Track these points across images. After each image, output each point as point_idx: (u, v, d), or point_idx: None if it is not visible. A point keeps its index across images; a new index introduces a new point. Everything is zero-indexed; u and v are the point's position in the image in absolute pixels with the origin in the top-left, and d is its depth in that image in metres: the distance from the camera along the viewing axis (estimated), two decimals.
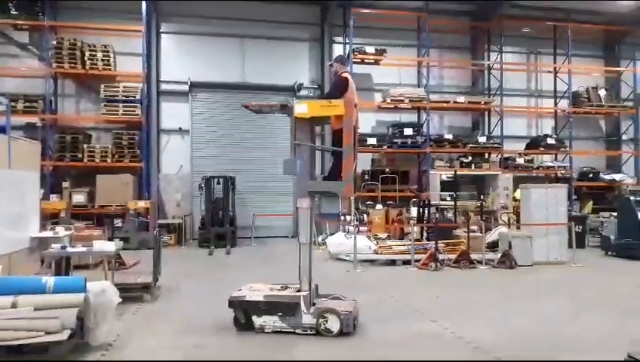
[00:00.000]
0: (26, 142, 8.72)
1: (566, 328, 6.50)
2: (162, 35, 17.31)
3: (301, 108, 6.21)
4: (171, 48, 17.39)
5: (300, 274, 6.20)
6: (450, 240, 12.31)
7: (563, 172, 19.26)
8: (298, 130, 6.24)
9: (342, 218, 14.95)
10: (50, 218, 13.18)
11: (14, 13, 15.56)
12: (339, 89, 6.44)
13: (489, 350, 5.54)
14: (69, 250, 7.44)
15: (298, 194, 6.46)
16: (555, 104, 20.07)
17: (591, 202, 19.04)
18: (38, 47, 16.37)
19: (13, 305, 4.92)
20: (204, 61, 17.19)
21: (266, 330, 5.97)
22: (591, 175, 19.52)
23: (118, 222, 14.53)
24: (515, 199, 16.21)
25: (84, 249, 7.59)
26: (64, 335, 4.75)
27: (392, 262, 11.48)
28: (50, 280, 5.32)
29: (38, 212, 8.74)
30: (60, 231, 8.40)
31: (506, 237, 11.58)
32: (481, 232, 11.81)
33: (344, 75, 6.61)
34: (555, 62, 20.06)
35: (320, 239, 14.27)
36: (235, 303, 6.11)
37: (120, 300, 5.63)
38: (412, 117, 19.02)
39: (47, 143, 15.00)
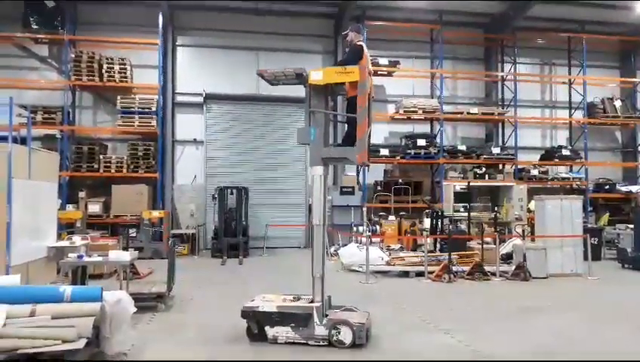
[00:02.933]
0: (45, 153, 8.90)
1: (579, 342, 6.44)
2: (178, 48, 17.57)
3: (316, 75, 6.24)
4: (187, 61, 17.65)
5: (313, 285, 6.21)
6: (464, 252, 12.24)
7: (578, 183, 19.09)
8: (313, 98, 6.28)
9: (354, 229, 14.94)
10: (66, 227, 13.40)
11: (35, 27, 15.92)
12: (354, 56, 6.47)
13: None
14: (86, 259, 7.56)
15: (312, 162, 6.39)
16: (570, 115, 19.93)
17: (607, 214, 18.73)
18: (57, 60, 16.74)
19: (32, 314, 5.00)
20: (219, 73, 17.40)
21: (278, 341, 6.00)
22: (607, 186, 19.28)
23: (132, 232, 14.65)
24: (529, 210, 16.08)
25: (100, 258, 7.70)
26: (80, 344, 4.82)
27: (405, 274, 11.44)
28: (67, 289, 5.40)
29: (55, 222, 8.88)
30: (77, 240, 8.52)
31: (520, 249, 11.47)
32: (495, 244, 11.73)
33: (359, 43, 6.65)
34: (569, 74, 19.97)
35: (332, 250, 14.27)
36: (248, 314, 6.15)
37: (135, 310, 5.71)
38: (425, 128, 19.03)
39: (65, 154, 15.25)
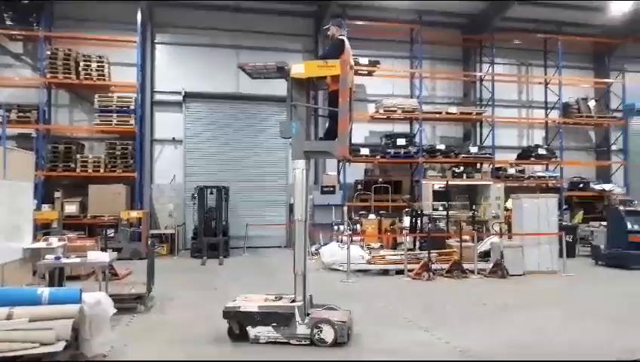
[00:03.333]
0: (20, 153, 8.73)
1: (552, 336, 6.61)
2: (157, 46, 17.37)
3: (298, 69, 6.24)
4: (166, 59, 17.46)
5: (295, 283, 6.22)
6: (443, 250, 12.40)
7: (554, 182, 19.49)
8: (295, 92, 6.28)
9: (335, 228, 15.00)
10: (41, 228, 13.15)
11: (9, 23, 15.58)
12: (335, 50, 6.46)
13: (479, 357, 5.62)
14: (64, 260, 7.44)
15: (294, 156, 6.39)
16: (546, 115, 20.33)
17: (581, 212, 19.18)
18: (32, 57, 16.39)
19: (9, 317, 4.91)
20: (199, 71, 17.27)
21: (260, 341, 6.00)
22: (581, 185, 19.72)
23: (110, 233, 14.43)
24: (506, 209, 16.35)
25: (78, 259, 7.58)
26: (59, 347, 4.75)
27: (385, 272, 11.54)
28: (45, 291, 5.32)
29: (31, 222, 8.72)
30: (54, 241, 8.38)
31: (497, 246, 11.66)
32: (473, 242, 11.91)
33: (340, 37, 6.63)
34: (545, 74, 20.37)
35: (314, 249, 14.30)
36: (229, 314, 6.14)
37: (115, 311, 5.66)
38: (405, 127, 19.20)
39: (40, 153, 14.96)
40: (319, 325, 5.94)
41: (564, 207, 19.05)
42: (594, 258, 13.59)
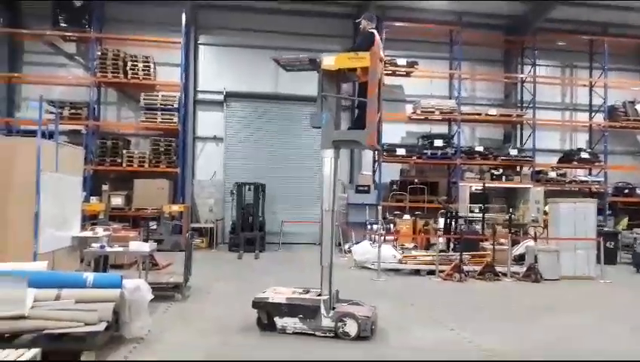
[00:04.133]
0: (71, 148, 9.31)
1: (578, 340, 6.61)
2: (200, 47, 17.99)
3: (329, 61, 6.45)
4: (208, 59, 18.05)
5: (322, 276, 6.45)
6: (476, 252, 12.35)
7: (597, 186, 18.95)
8: (325, 83, 6.50)
9: (369, 226, 15.14)
10: (89, 219, 13.89)
11: (63, 25, 16.48)
12: (366, 43, 6.63)
13: (501, 356, 5.70)
14: (108, 249, 7.94)
15: (323, 145, 6.58)
16: (590, 118, 19.78)
17: (626, 218, 18.60)
18: (84, 57, 17.32)
19: (57, 297, 5.36)
20: (240, 72, 17.78)
21: (287, 331, 6.26)
22: (626, 190, 19.12)
23: (153, 225, 15.05)
24: (545, 213, 16.04)
25: (120, 249, 8.08)
26: (101, 327, 5.16)
27: (417, 272, 11.62)
28: (89, 276, 5.77)
29: (79, 213, 9.29)
30: (99, 231, 8.92)
31: (532, 250, 11.55)
32: (508, 245, 11.82)
33: (371, 30, 6.82)
34: (590, 76, 19.82)
35: (346, 247, 14.50)
36: (258, 304, 6.43)
37: (152, 297, 6.05)
38: (443, 128, 19.10)
39: (89, 148, 15.78)
40: (343, 319, 6.15)
41: (609, 212, 18.51)
42: (635, 265, 13.22)
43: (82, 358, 5.00)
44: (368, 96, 6.37)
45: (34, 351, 4.41)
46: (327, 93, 6.50)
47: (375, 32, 6.79)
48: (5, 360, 4.20)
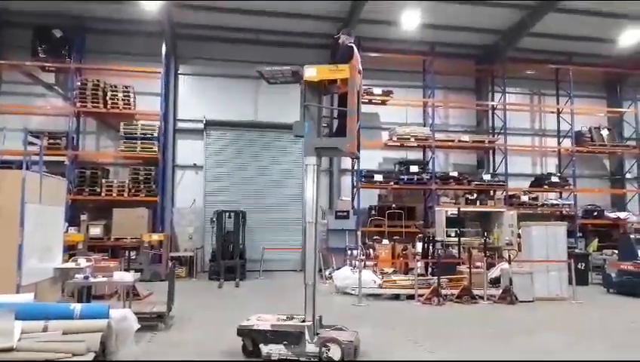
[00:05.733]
0: (54, 179, 9.37)
1: (551, 357, 6.92)
2: (180, 76, 18.27)
3: (310, 72, 6.78)
4: (188, 88, 18.32)
5: (305, 301, 6.62)
6: (454, 276, 12.65)
7: (567, 210, 19.59)
8: (308, 94, 6.81)
9: (349, 252, 15.34)
10: (68, 249, 13.75)
11: (43, 56, 16.56)
12: (345, 56, 6.99)
13: None
14: (92, 279, 7.98)
15: (305, 153, 6.89)
16: (559, 143, 20.57)
17: (596, 240, 19.22)
18: (63, 87, 17.38)
19: (45, 329, 5.41)
20: (219, 101, 18.06)
21: (272, 358, 6.40)
22: (595, 213, 19.79)
23: (132, 255, 15.00)
24: (519, 236, 16.50)
25: (105, 279, 8.13)
26: (89, 357, 5.21)
27: (397, 297, 11.84)
28: (77, 306, 5.83)
29: (61, 244, 9.32)
30: (82, 262, 8.94)
31: (507, 273, 11.91)
32: (484, 268, 12.15)
33: (350, 44, 7.19)
34: (557, 103, 20.67)
35: (327, 273, 14.65)
36: (243, 332, 6.57)
37: (139, 326, 6.13)
38: (418, 155, 19.62)
39: (68, 178, 15.71)
40: (327, 344, 6.32)
41: (579, 234, 19.14)
42: (605, 286, 13.68)
43: None
44: (348, 106, 6.70)
45: None
46: (309, 103, 6.82)
47: (354, 45, 7.16)
48: None
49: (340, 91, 7.06)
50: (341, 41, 7.40)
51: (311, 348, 6.34)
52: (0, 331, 5.10)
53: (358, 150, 7.05)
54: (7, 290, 6.70)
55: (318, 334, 6.52)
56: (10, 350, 5.06)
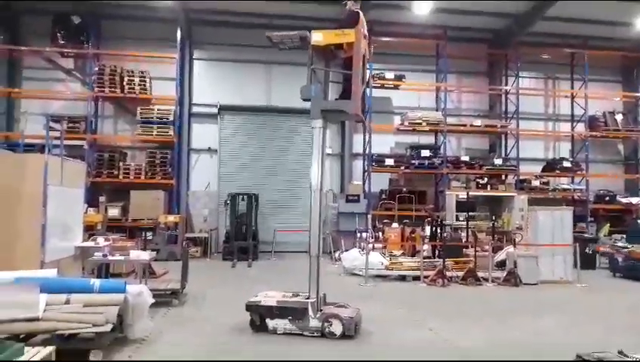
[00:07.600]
0: (74, 163, 9.84)
1: (546, 336, 7.21)
2: (195, 62, 18.61)
3: (317, 37, 7.01)
4: (203, 73, 18.67)
5: (310, 282, 6.99)
6: (460, 258, 12.92)
7: (579, 194, 19.60)
8: (314, 58, 7.06)
9: (358, 235, 15.67)
10: (87, 230, 14.31)
11: (62, 42, 17.03)
12: (351, 20, 7.18)
13: (474, 354, 6.26)
14: (110, 258, 8.45)
15: (312, 115, 7.09)
16: (572, 128, 20.48)
17: (607, 224, 19.27)
18: (82, 72, 17.87)
19: (67, 302, 5.86)
20: (233, 85, 18.39)
21: (277, 332, 6.80)
22: (607, 198, 19.78)
23: (149, 235, 15.52)
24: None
25: (122, 257, 8.59)
26: (108, 328, 5.67)
27: (403, 278, 12.17)
28: (96, 282, 6.29)
29: (81, 224, 9.80)
30: (101, 241, 9.41)
31: (512, 256, 12.14)
32: (490, 251, 12.39)
33: (355, 9, 7.33)
34: (572, 88, 20.53)
35: (337, 255, 15.02)
36: (251, 307, 6.97)
37: (153, 301, 6.56)
38: (430, 139, 19.76)
39: (87, 160, 16.24)
40: (329, 319, 6.69)
41: (591, 219, 19.19)
42: (612, 270, 13.83)
43: (90, 357, 5.51)
44: (353, 69, 6.90)
45: (49, 349, 4.91)
46: (316, 67, 7.06)
47: (360, 11, 7.30)
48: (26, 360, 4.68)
49: (345, 55, 7.21)
50: (347, 7, 7.52)
51: (314, 323, 6.71)
52: (27, 303, 5.56)
53: (363, 113, 7.21)
54: (32, 266, 7.18)
55: (321, 310, 6.88)
56: (36, 320, 5.53)
